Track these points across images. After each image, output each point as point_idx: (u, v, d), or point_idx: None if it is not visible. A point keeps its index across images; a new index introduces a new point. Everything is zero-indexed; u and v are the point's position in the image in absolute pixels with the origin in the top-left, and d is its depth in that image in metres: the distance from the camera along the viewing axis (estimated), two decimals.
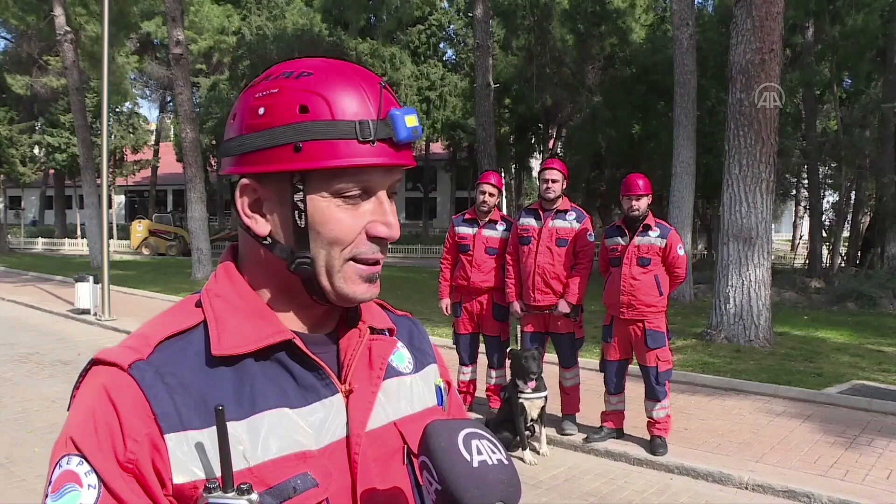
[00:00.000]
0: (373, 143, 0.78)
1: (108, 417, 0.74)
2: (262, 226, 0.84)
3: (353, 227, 0.82)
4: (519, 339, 6.10)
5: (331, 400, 0.84)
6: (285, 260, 0.83)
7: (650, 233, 5.14)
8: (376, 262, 0.85)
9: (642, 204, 5.13)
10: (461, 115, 31.13)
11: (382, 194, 0.83)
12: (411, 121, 0.81)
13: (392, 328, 0.97)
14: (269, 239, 0.84)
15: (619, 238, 5.27)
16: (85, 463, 0.73)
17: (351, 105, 0.79)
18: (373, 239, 0.83)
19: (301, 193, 0.80)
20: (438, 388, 1.01)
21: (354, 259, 0.83)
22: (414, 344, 1.02)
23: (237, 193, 0.85)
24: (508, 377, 5.48)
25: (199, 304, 0.85)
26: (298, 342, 0.83)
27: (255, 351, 0.81)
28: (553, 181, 5.47)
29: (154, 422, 0.74)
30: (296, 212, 0.81)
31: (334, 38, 28.08)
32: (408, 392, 0.95)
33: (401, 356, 0.97)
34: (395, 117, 0.80)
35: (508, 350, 5.37)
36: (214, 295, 0.85)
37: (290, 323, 0.86)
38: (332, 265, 0.82)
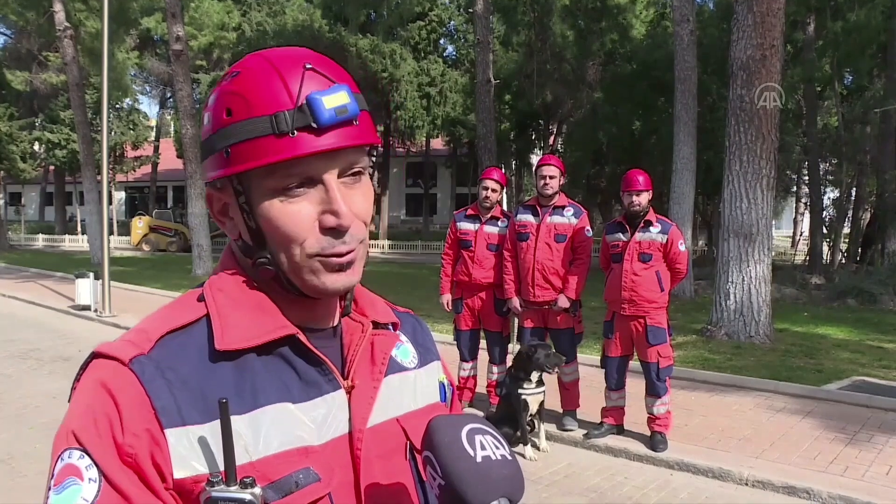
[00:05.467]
0: (291, 133, 0.75)
1: (107, 411, 0.74)
2: (231, 228, 0.85)
3: (300, 221, 0.79)
4: (515, 334, 6.12)
5: (333, 395, 0.84)
6: (250, 259, 0.84)
7: (651, 229, 5.14)
8: (344, 254, 0.81)
9: (643, 199, 5.12)
10: (461, 111, 31.09)
11: (330, 180, 0.79)
12: (333, 100, 0.76)
13: (396, 322, 0.96)
14: (240, 240, 0.85)
15: (621, 234, 5.26)
16: (86, 457, 0.73)
17: (267, 98, 0.77)
18: (325, 230, 0.79)
19: (243, 196, 0.81)
20: (442, 385, 1.01)
21: (320, 255, 0.80)
22: (418, 340, 1.01)
23: (206, 201, 0.87)
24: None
25: (201, 299, 0.84)
26: (302, 337, 0.82)
27: (257, 346, 0.81)
28: (550, 177, 5.47)
29: (154, 417, 0.74)
30: (244, 214, 0.81)
31: (334, 34, 28.02)
32: (411, 387, 0.94)
33: (405, 351, 0.97)
34: (314, 101, 0.76)
35: (522, 347, 5.35)
36: (217, 289, 0.85)
37: (292, 318, 0.85)
38: (294, 262, 0.80)
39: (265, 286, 0.85)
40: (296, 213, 0.79)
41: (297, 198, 0.79)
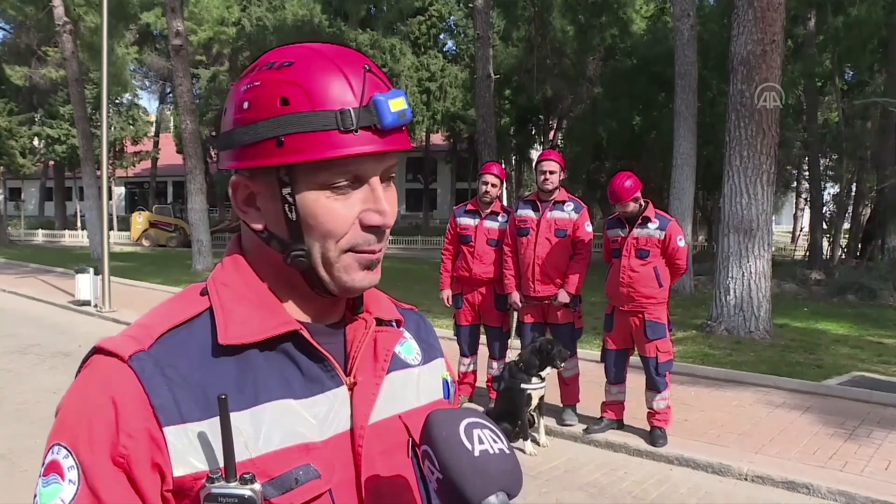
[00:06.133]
0: (356, 131, 0.76)
1: (104, 411, 0.74)
2: (257, 219, 0.83)
3: (345, 217, 0.80)
4: (514, 329, 6.11)
5: (335, 392, 0.84)
6: (281, 253, 0.83)
7: (649, 225, 5.14)
8: (377, 251, 0.83)
9: (630, 207, 5.13)
10: (461, 106, 31.06)
11: (375, 181, 0.81)
12: (397, 104, 0.78)
13: (400, 319, 0.96)
14: (266, 232, 0.83)
15: (619, 230, 5.28)
16: (70, 457, 0.74)
17: (331, 94, 0.76)
18: (367, 228, 0.81)
19: (288, 187, 0.79)
20: (445, 382, 1.01)
21: (352, 250, 0.81)
22: (422, 337, 1.01)
23: (229, 189, 0.85)
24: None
25: (204, 293, 0.84)
26: (305, 333, 0.82)
27: (260, 341, 0.81)
28: (550, 172, 5.47)
29: (153, 415, 0.74)
30: (286, 206, 0.80)
31: (334, 29, 27.99)
32: (415, 384, 0.94)
33: (409, 347, 0.97)
34: (379, 103, 0.77)
35: (533, 340, 5.36)
36: (221, 284, 0.84)
37: (296, 313, 0.85)
38: (327, 257, 0.81)
39: (275, 280, 0.85)
40: (340, 209, 0.80)
41: (344, 195, 0.80)
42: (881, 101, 15.68)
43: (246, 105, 0.79)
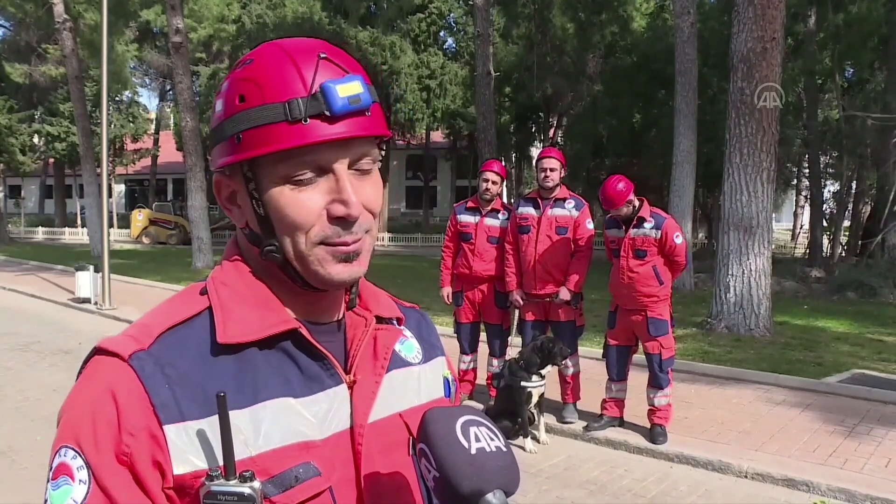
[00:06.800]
0: (304, 121, 0.75)
1: (105, 410, 0.74)
2: (239, 217, 0.85)
3: (310, 209, 0.78)
4: (514, 327, 6.11)
5: (335, 390, 0.84)
6: (257, 248, 0.83)
7: (645, 224, 5.14)
8: (350, 243, 0.81)
9: (623, 211, 5.14)
10: (461, 103, 30.98)
11: (340, 170, 0.78)
12: (347, 89, 0.76)
13: (401, 317, 0.96)
14: (248, 229, 0.84)
15: (617, 230, 5.29)
16: (79, 457, 0.74)
17: (281, 86, 0.76)
18: (333, 220, 0.79)
19: (253, 182, 0.80)
20: (446, 380, 1.01)
21: (324, 243, 0.80)
22: (423, 335, 1.01)
23: (214, 188, 0.86)
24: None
25: (203, 292, 0.84)
26: (304, 332, 0.82)
27: (259, 340, 0.81)
28: (551, 170, 5.47)
29: (153, 413, 0.74)
30: (253, 201, 0.81)
31: (334, 26, 27.93)
32: (415, 383, 0.94)
33: (410, 346, 0.97)
34: (327, 90, 0.75)
35: (534, 338, 5.35)
36: (220, 283, 0.84)
37: (294, 312, 0.85)
38: (299, 250, 0.80)
39: (270, 279, 0.85)
40: (304, 202, 0.78)
41: (307, 186, 0.78)
42: (861, 115, 15.72)
43: (219, 105, 0.81)
